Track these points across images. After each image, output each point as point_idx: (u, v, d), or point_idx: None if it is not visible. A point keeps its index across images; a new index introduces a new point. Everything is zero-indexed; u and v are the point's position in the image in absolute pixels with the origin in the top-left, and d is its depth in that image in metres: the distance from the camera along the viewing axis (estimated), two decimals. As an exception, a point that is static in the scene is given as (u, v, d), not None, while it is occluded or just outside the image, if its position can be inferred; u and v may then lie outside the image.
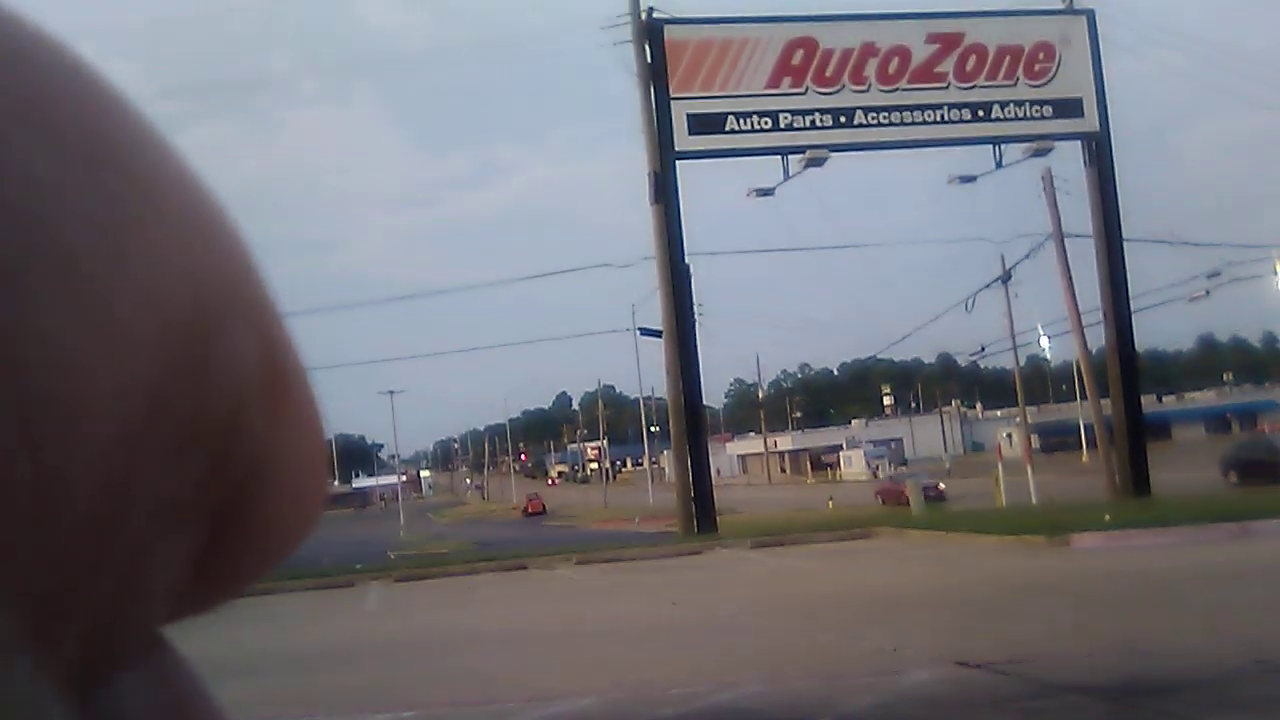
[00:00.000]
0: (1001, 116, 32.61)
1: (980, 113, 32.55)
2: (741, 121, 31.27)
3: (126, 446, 0.24)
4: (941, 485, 65.22)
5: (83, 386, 0.23)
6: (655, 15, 31.71)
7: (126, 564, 0.25)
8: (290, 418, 0.31)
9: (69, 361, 0.22)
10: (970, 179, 35.76)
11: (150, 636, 0.30)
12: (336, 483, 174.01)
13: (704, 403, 36.53)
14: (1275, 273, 39.57)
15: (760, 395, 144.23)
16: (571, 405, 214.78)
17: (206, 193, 0.29)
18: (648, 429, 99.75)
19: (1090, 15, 33.33)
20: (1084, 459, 73.03)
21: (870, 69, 31.92)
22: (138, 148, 0.27)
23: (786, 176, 32.82)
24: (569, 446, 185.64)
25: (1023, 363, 58.43)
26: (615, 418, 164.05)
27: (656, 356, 35.38)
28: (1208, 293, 45.45)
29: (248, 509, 0.30)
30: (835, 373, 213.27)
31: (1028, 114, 32.67)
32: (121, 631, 0.27)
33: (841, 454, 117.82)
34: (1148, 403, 46.40)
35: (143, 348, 0.24)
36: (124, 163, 0.26)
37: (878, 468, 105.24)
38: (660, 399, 71.17)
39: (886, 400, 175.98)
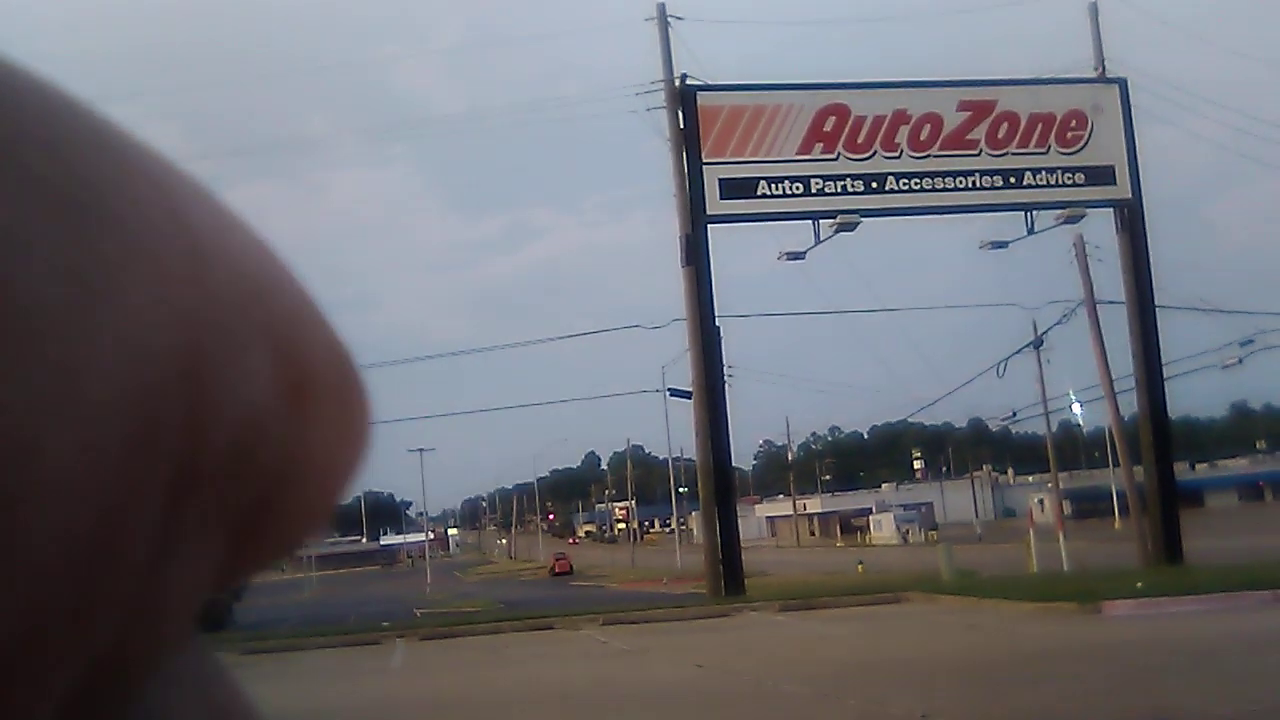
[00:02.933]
0: (1033, 183, 32.68)
1: (1012, 180, 32.64)
2: (773, 186, 31.45)
3: (108, 500, 0.22)
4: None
5: (43, 468, 0.21)
6: (689, 82, 32.04)
7: (132, 593, 0.24)
8: (318, 416, 0.30)
9: (26, 443, 0.21)
10: (1002, 244, 35.76)
11: (180, 645, 0.29)
12: (364, 539, 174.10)
13: (733, 464, 36.50)
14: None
15: (789, 457, 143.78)
16: (600, 465, 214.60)
17: (214, 214, 0.27)
18: (676, 490, 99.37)
19: (1123, 84, 33.47)
20: (1116, 525, 72.42)
21: (902, 136, 32.10)
22: (122, 184, 0.25)
23: (818, 240, 32.96)
24: (597, 506, 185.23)
25: (1055, 428, 58.22)
26: (644, 478, 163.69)
27: (686, 417, 35.38)
28: (1241, 360, 45.24)
29: (268, 512, 0.29)
30: (865, 436, 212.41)
31: (1059, 181, 32.74)
32: (141, 649, 0.26)
33: (871, 518, 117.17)
34: (1180, 470, 46.08)
35: (116, 411, 0.22)
36: (103, 203, 0.24)
37: (908, 532, 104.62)
38: (689, 460, 71.01)
39: (917, 464, 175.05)
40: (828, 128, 31.84)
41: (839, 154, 31.83)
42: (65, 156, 0.24)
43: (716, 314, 31.93)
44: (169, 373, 0.23)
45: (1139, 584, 23.41)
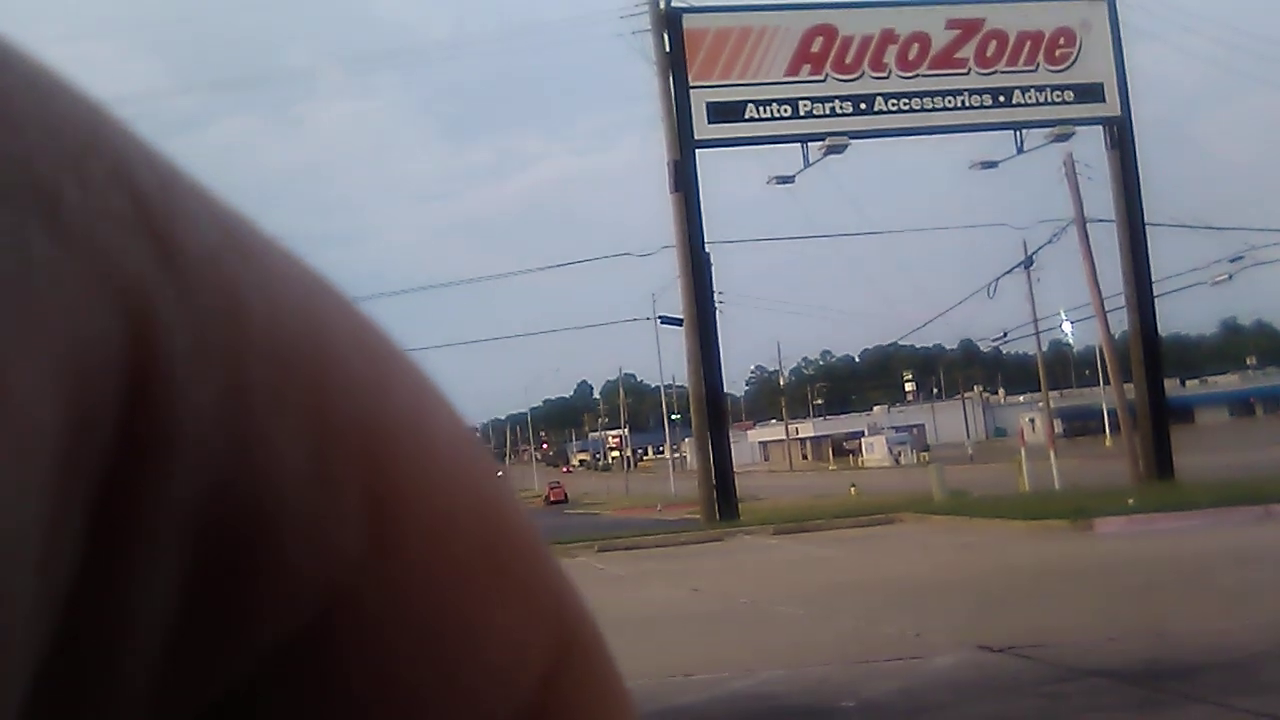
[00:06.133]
0: (1022, 102, 32.51)
1: (1001, 98, 32.46)
2: (761, 109, 31.24)
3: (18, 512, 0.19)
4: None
5: None
6: (673, 4, 31.69)
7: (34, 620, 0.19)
8: (419, 566, 0.23)
9: None
10: (992, 165, 35.70)
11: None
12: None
13: (725, 390, 36.62)
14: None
15: (781, 382, 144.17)
16: (593, 394, 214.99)
17: (185, 189, 0.23)
18: (669, 417, 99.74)
19: (1110, 0, 33.18)
20: (1107, 443, 72.80)
21: (890, 56, 31.85)
22: (68, 165, 0.20)
23: (806, 164, 32.82)
24: (590, 435, 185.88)
25: (1045, 348, 58.29)
26: (636, 406, 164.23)
27: (677, 345, 35.41)
28: (1230, 276, 45.30)
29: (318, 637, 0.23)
30: (857, 359, 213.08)
31: (1048, 99, 32.56)
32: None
33: (863, 440, 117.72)
34: (1171, 387, 46.34)
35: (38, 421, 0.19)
36: (35, 180, 0.20)
37: (900, 454, 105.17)
38: (681, 387, 71.30)
39: (908, 386, 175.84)
40: (815, 49, 31.57)
41: (827, 75, 31.59)
42: None
43: (706, 240, 31.85)
44: (107, 339, 0.20)
45: (1130, 501, 23.53)
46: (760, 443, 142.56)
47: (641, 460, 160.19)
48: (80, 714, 0.21)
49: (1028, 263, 47.07)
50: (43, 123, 0.20)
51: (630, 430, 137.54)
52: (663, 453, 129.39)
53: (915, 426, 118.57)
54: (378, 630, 0.23)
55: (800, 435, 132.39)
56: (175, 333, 0.21)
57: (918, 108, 32.05)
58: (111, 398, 0.20)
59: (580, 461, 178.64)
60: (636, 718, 0.30)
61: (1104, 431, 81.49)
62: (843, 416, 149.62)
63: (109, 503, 0.20)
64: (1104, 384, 59.35)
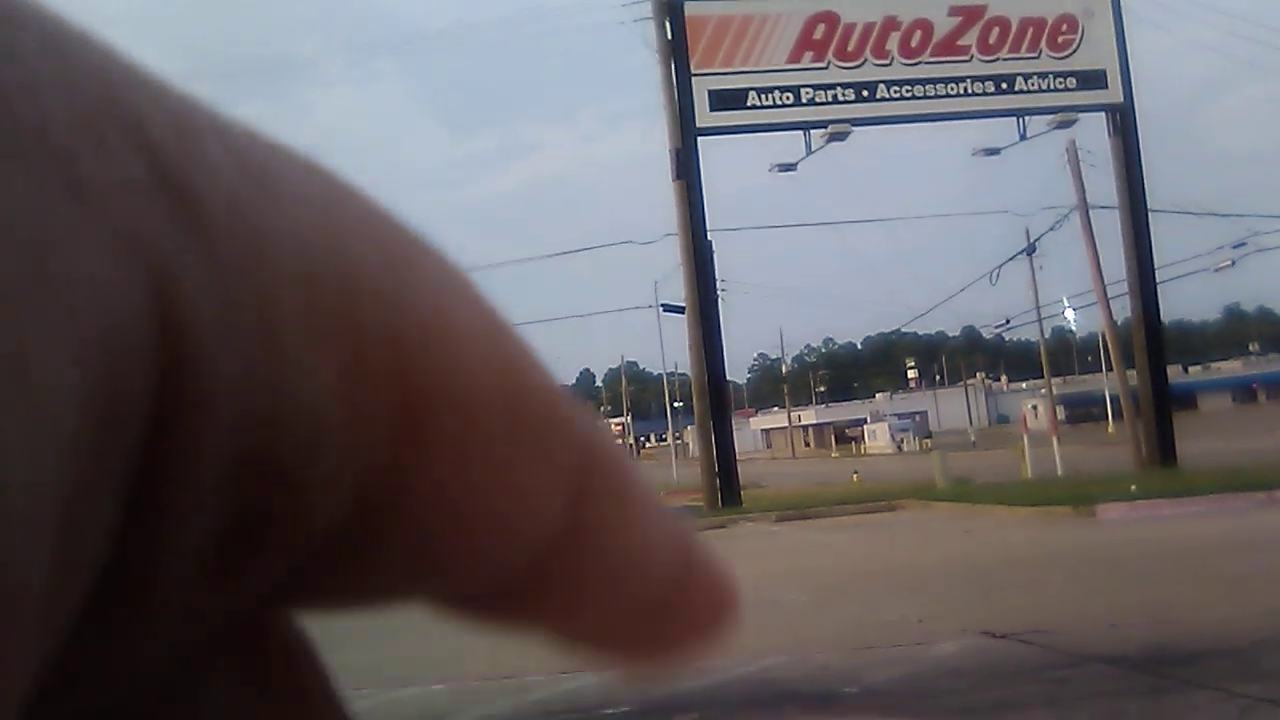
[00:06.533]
0: (1025, 89, 32.44)
1: (1003, 85, 32.39)
2: (763, 97, 31.20)
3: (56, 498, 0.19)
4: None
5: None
6: (675, -9, 31.61)
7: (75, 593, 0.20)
8: (448, 448, 0.24)
9: None
10: (994, 152, 35.70)
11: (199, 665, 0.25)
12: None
13: (727, 378, 36.60)
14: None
15: (784, 370, 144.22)
16: (595, 382, 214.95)
17: (213, 129, 0.22)
18: (671, 405, 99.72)
19: (1113, -15, 33.09)
20: (1110, 430, 72.78)
21: (892, 43, 31.78)
22: (84, 126, 0.20)
23: (809, 151, 32.78)
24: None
25: (1048, 335, 58.33)
26: (639, 394, 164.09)
27: (679, 332, 35.42)
28: (1233, 263, 45.34)
29: (352, 544, 0.24)
30: (859, 347, 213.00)
31: (1051, 86, 32.49)
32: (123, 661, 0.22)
33: (866, 427, 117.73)
34: (1173, 373, 46.33)
35: (65, 402, 0.18)
36: (49, 145, 0.19)
37: (902, 441, 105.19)
38: (684, 374, 71.28)
39: (911, 374, 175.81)
40: (817, 36, 31.50)
41: (829, 63, 31.53)
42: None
43: (708, 228, 31.82)
44: (134, 309, 0.19)
45: (1133, 487, 23.53)
46: (763, 430, 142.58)
47: (644, 448, 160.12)
48: (137, 632, 0.21)
49: (1030, 250, 47.08)
50: (59, 83, 0.20)
51: (633, 418, 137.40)
52: (665, 440, 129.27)
53: (918, 413, 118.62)
54: (410, 510, 0.24)
55: (803, 422, 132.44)
56: (201, 294, 0.21)
57: (920, 95, 31.99)
58: (141, 366, 0.20)
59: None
60: (670, 531, 0.31)
61: (1107, 418, 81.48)
62: (845, 404, 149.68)
63: (146, 470, 0.20)
64: (1107, 370, 59.32)
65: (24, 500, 0.18)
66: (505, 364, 0.25)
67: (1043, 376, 53.27)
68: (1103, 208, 34.60)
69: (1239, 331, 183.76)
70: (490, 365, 0.25)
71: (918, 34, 31.89)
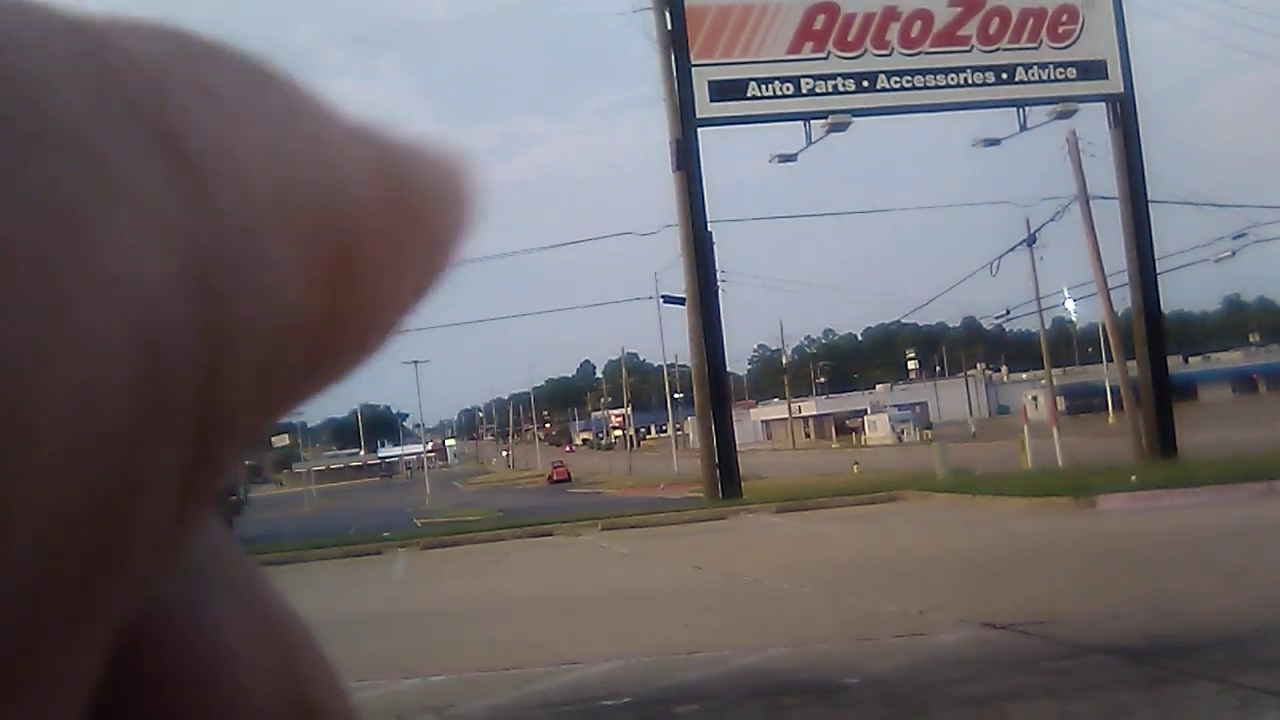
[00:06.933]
0: (1025, 79, 32.40)
1: (1004, 75, 32.34)
2: (763, 87, 31.15)
3: (118, 441, 0.19)
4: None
5: (38, 418, 0.18)
6: (676, -20, 31.55)
7: (157, 537, 0.21)
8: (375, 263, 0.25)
9: (15, 390, 0.18)
10: (994, 142, 35.66)
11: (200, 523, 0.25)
12: (363, 452, 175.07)
13: (727, 369, 36.61)
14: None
15: (784, 361, 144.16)
16: (595, 373, 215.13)
17: (250, 100, 0.23)
18: (671, 396, 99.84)
19: (1113, -25, 33.04)
20: (1110, 421, 72.82)
21: (892, 33, 31.73)
22: (96, 110, 0.20)
23: (809, 142, 32.74)
24: (593, 414, 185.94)
25: (1048, 326, 58.24)
26: (639, 385, 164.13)
27: (680, 323, 35.44)
28: (1233, 253, 45.29)
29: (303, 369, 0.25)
30: (859, 338, 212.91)
31: (1051, 76, 32.45)
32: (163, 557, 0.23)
33: (866, 418, 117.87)
34: (1174, 364, 46.27)
35: (116, 344, 0.19)
36: (72, 136, 0.19)
37: (902, 432, 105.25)
38: (684, 366, 71.27)
39: (911, 364, 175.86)
40: (817, 26, 31.45)
41: (829, 53, 31.48)
42: (20, 92, 0.20)
43: (708, 219, 31.79)
44: (173, 296, 0.20)
45: (1133, 478, 23.53)
46: (763, 421, 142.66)
47: (644, 439, 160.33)
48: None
49: (1030, 240, 46.97)
50: (68, 66, 0.20)
51: (633, 409, 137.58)
52: (665, 432, 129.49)
53: (918, 404, 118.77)
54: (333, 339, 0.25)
55: (803, 414, 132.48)
56: (219, 262, 0.21)
57: (920, 85, 31.95)
58: (185, 344, 0.20)
59: (583, 441, 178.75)
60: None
61: (1107, 409, 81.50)
62: (845, 395, 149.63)
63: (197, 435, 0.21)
64: (1107, 361, 59.30)
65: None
66: (288, 156, 0.25)
67: (1043, 367, 53.22)
68: (1103, 198, 34.59)
69: (1239, 322, 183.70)
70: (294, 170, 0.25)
71: (918, 24, 31.84)
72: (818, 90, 31.48)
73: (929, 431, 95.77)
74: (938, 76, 31.94)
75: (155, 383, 0.20)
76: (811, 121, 32.11)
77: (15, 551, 0.18)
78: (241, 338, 0.22)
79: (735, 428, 34.23)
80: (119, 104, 0.20)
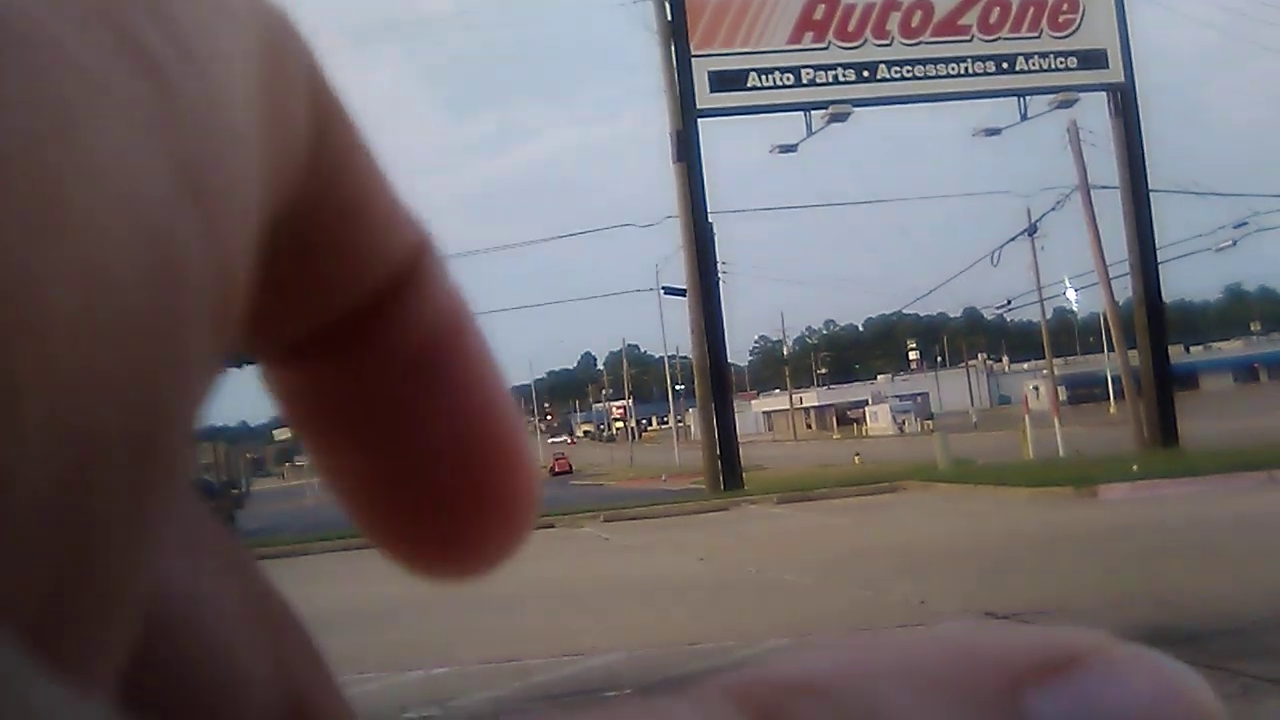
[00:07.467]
0: (1025, 69, 32.39)
1: (1004, 65, 32.33)
2: (763, 78, 31.13)
3: (126, 339, 0.19)
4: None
5: (41, 303, 0.18)
6: (674, -28, 31.51)
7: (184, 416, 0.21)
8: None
9: (17, 271, 0.17)
10: (995, 132, 35.64)
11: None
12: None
13: (729, 360, 36.58)
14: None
15: (785, 352, 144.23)
16: (596, 365, 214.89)
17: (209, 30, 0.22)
18: (673, 387, 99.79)
19: (1113, -36, 33.00)
20: (1112, 410, 72.85)
21: (893, 22, 31.70)
22: (63, 11, 0.20)
23: (809, 132, 32.74)
24: (594, 406, 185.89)
25: (1050, 315, 58.27)
26: (640, 377, 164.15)
27: (681, 315, 35.45)
28: (1234, 243, 45.27)
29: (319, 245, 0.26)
30: (860, 328, 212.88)
31: (1052, 65, 32.43)
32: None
33: (867, 409, 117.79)
34: (1175, 353, 46.34)
35: (119, 234, 0.19)
36: (45, 36, 0.19)
37: (904, 422, 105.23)
38: (685, 357, 71.27)
39: (912, 355, 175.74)
40: (817, 16, 31.42)
41: (829, 43, 31.45)
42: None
43: (709, 210, 31.80)
44: (166, 188, 0.20)
45: (1134, 467, 23.54)
46: (764, 412, 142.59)
47: (645, 431, 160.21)
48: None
49: (1031, 230, 47.00)
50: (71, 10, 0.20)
51: (634, 401, 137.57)
52: (667, 423, 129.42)
53: (919, 395, 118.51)
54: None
55: (804, 405, 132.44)
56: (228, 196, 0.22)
57: (921, 75, 31.93)
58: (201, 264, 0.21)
59: (584, 432, 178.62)
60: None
61: (1108, 398, 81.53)
62: (847, 385, 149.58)
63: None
64: (1108, 351, 59.25)
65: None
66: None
67: (1044, 357, 53.19)
68: (1104, 188, 34.57)
69: (1240, 311, 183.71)
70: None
71: (918, 14, 31.81)
72: (818, 80, 31.45)
73: (930, 422, 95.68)
74: (938, 66, 31.92)
75: (164, 271, 0.20)
76: (812, 112, 32.11)
77: (33, 426, 0.18)
78: (233, 229, 0.22)
79: (736, 419, 34.25)
80: (83, 5, 0.20)
